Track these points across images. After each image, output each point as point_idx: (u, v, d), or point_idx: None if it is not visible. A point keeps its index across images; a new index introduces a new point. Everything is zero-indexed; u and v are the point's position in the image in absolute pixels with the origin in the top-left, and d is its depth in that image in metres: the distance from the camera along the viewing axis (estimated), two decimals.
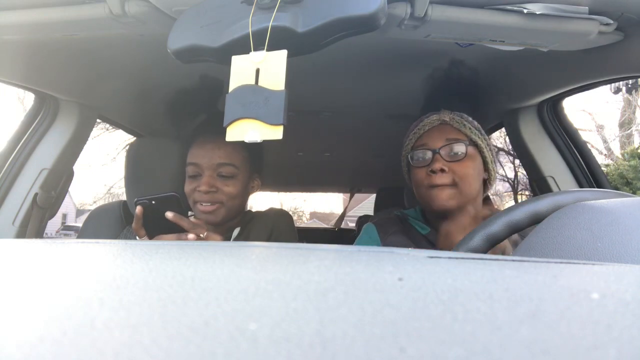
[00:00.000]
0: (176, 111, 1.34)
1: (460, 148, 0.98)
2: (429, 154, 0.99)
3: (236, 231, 1.15)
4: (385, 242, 1.06)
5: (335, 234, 3.55)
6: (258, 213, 1.24)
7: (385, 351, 0.14)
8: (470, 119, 1.03)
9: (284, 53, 0.64)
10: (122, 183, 1.41)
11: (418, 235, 1.05)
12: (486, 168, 1.02)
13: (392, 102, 1.54)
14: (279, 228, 1.21)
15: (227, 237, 1.14)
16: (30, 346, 0.14)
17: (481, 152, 1.01)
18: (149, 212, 0.89)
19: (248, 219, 1.19)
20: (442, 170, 0.96)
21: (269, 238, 1.17)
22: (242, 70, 0.66)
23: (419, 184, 1.01)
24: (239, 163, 1.10)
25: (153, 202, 0.88)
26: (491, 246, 0.56)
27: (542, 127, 1.37)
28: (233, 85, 0.65)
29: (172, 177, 1.30)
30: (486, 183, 1.04)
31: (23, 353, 0.13)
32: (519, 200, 10.99)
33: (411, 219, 1.10)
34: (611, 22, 0.79)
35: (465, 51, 1.09)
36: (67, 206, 21.15)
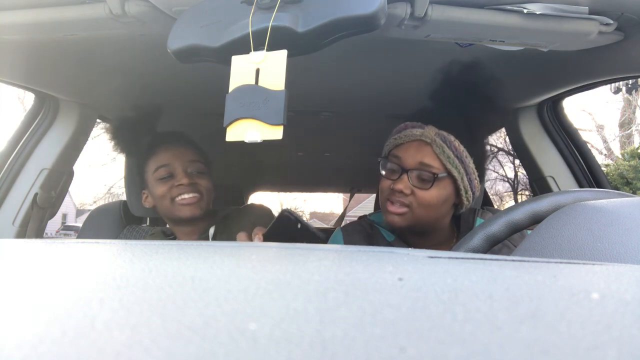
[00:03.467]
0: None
1: (428, 177, 0.93)
2: (398, 170, 0.96)
3: (212, 230, 1.18)
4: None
5: None
6: (234, 210, 1.26)
7: (385, 351, 0.14)
8: (456, 143, 0.94)
9: (284, 53, 0.64)
10: (122, 183, 1.42)
11: (383, 242, 1.04)
12: (459, 197, 0.97)
13: (392, 102, 1.54)
14: (260, 222, 1.21)
15: (204, 237, 1.16)
16: (30, 346, 0.14)
17: (455, 182, 0.95)
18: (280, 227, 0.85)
19: (222, 217, 1.22)
20: (402, 193, 0.94)
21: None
22: (242, 70, 0.66)
23: (382, 192, 1.00)
24: (204, 162, 1.19)
25: (299, 225, 0.81)
26: (491, 246, 0.56)
27: (542, 127, 1.37)
28: (233, 85, 0.65)
29: None
30: (457, 207, 1.00)
31: (23, 353, 0.13)
32: (519, 200, 10.99)
33: (377, 224, 1.08)
34: (611, 22, 0.79)
35: (465, 51, 1.09)
36: (67, 206, 21.14)
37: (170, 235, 1.25)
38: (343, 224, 3.98)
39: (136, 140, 1.24)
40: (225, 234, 1.17)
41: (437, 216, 0.97)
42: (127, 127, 1.25)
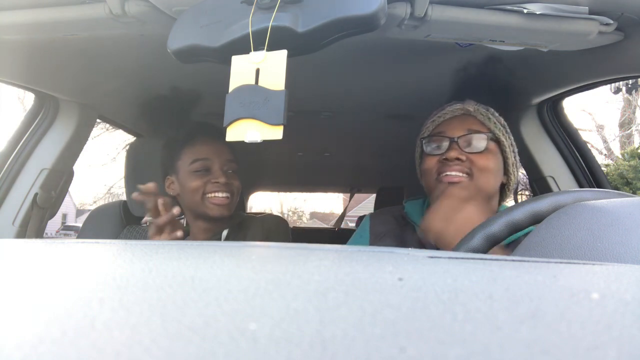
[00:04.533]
0: (175, 110, 1.35)
1: (481, 140, 0.89)
2: (446, 142, 0.91)
3: (225, 233, 1.17)
4: (372, 242, 1.02)
5: (335, 234, 3.55)
6: (251, 217, 1.25)
7: (385, 351, 0.14)
8: (497, 114, 0.95)
9: (284, 53, 0.64)
10: (122, 183, 1.42)
11: (414, 238, 0.97)
12: (506, 171, 0.93)
13: (392, 102, 1.54)
14: (275, 235, 1.21)
15: (215, 239, 1.16)
16: (30, 346, 0.14)
17: (503, 151, 0.92)
18: None
19: (237, 221, 1.21)
20: (458, 159, 0.88)
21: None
22: (242, 70, 0.66)
23: (428, 172, 0.93)
24: (236, 162, 1.17)
25: None
26: (491, 246, 0.56)
27: (542, 127, 1.37)
28: (233, 85, 0.65)
29: None
30: (504, 189, 0.95)
31: (23, 353, 0.13)
32: (519, 200, 10.95)
33: (410, 214, 1.02)
34: (611, 22, 0.79)
35: (465, 51, 1.09)
36: (67, 206, 21.15)
37: None
38: (343, 224, 3.99)
39: (172, 124, 1.22)
40: (237, 240, 1.17)
41: (493, 189, 0.90)
42: (166, 107, 1.23)
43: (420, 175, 1.01)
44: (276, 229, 1.24)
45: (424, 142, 0.97)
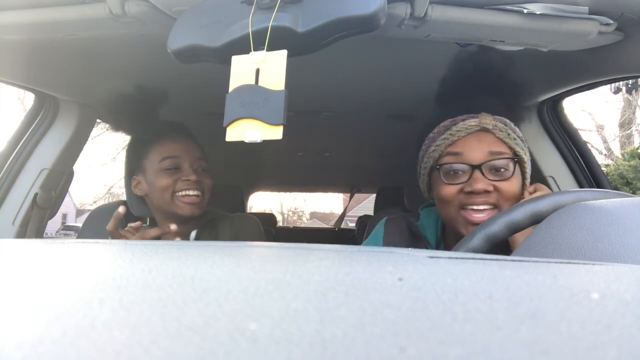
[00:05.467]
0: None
1: (505, 164, 0.81)
2: (466, 169, 0.82)
3: (194, 233, 1.15)
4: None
5: (335, 234, 3.55)
6: (223, 216, 1.23)
7: (385, 351, 0.14)
8: (513, 125, 0.87)
9: (284, 53, 0.64)
10: (122, 183, 1.41)
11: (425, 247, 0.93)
12: (523, 184, 0.86)
13: (392, 102, 1.54)
14: (244, 236, 1.19)
15: (185, 239, 1.14)
16: (30, 346, 0.14)
17: (522, 167, 0.85)
18: None
19: (206, 220, 1.18)
20: (486, 192, 0.80)
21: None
22: (242, 70, 0.66)
23: (447, 201, 0.84)
24: (206, 160, 1.16)
25: None
26: (491, 246, 0.56)
27: (542, 127, 1.37)
28: (233, 85, 0.65)
29: None
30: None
31: (23, 353, 0.13)
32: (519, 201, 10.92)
33: (423, 228, 0.96)
34: (611, 22, 0.79)
35: (465, 51, 1.09)
36: (67, 206, 21.15)
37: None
38: (343, 224, 3.99)
39: (138, 123, 1.20)
40: (203, 238, 1.15)
41: None
42: (132, 107, 1.20)
43: (429, 190, 0.92)
44: (246, 229, 1.21)
45: (438, 167, 0.86)
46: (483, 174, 0.81)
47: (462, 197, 0.82)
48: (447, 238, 0.94)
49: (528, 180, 0.88)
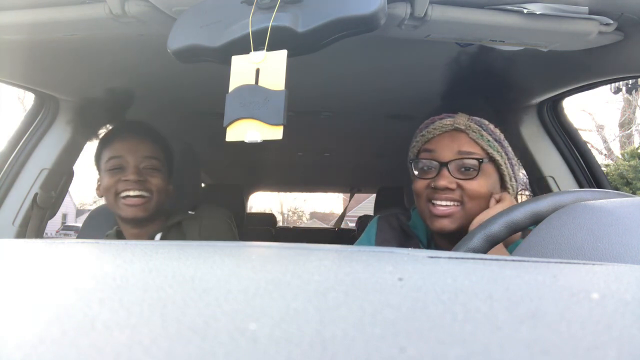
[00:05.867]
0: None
1: (473, 164, 0.85)
2: (435, 166, 0.87)
3: (158, 237, 1.12)
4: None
5: (335, 234, 3.55)
6: (188, 217, 1.18)
7: (385, 351, 0.14)
8: (492, 126, 0.89)
9: (284, 53, 0.64)
10: None
11: (417, 246, 0.96)
12: (503, 185, 0.89)
13: (392, 102, 1.54)
14: (210, 232, 1.15)
15: None
16: (30, 346, 0.14)
17: (499, 168, 0.87)
18: None
19: (173, 223, 1.14)
20: (449, 189, 0.84)
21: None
22: (242, 70, 0.66)
23: (418, 195, 0.90)
24: (163, 159, 1.12)
25: None
26: (491, 246, 0.56)
27: (542, 127, 1.37)
28: (233, 85, 0.65)
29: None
30: None
31: (23, 353, 0.13)
32: (519, 200, 10.95)
33: (414, 227, 0.99)
34: (611, 22, 0.79)
35: (465, 51, 1.09)
36: (67, 206, 21.15)
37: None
38: (343, 224, 3.99)
39: (98, 126, 1.18)
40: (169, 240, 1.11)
41: (487, 206, 0.86)
42: (90, 110, 1.18)
43: (413, 192, 0.97)
44: (215, 231, 1.16)
45: (412, 164, 0.92)
46: (450, 172, 0.85)
47: (429, 192, 0.87)
48: (435, 237, 0.96)
49: (511, 182, 0.90)
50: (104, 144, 1.13)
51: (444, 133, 0.89)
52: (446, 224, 0.85)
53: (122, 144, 1.09)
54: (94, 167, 1.18)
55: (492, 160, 0.87)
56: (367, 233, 1.04)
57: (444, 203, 0.85)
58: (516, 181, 0.92)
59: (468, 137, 0.87)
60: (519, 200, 0.99)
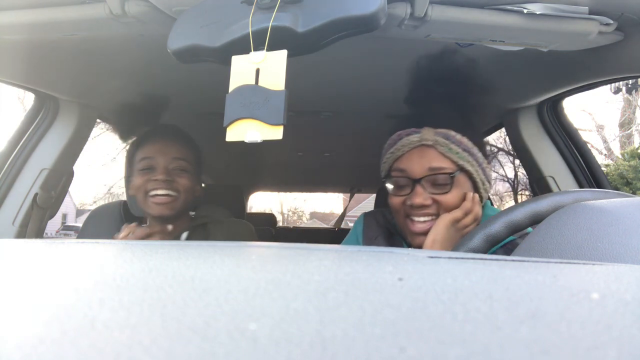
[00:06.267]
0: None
1: (444, 178, 0.85)
2: (408, 183, 0.87)
3: (184, 235, 1.16)
4: (365, 244, 1.00)
5: (335, 234, 3.55)
6: (214, 220, 1.23)
7: (385, 351, 0.14)
8: (458, 136, 0.88)
9: (284, 53, 0.64)
10: (122, 183, 1.42)
11: (400, 246, 0.96)
12: (476, 189, 0.90)
13: (392, 102, 1.54)
14: (235, 238, 1.19)
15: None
16: (30, 346, 0.14)
17: (470, 177, 0.88)
18: None
19: (199, 223, 1.19)
20: (424, 206, 0.85)
21: None
22: (242, 70, 0.66)
23: (395, 211, 0.90)
24: (191, 161, 1.17)
25: None
26: (491, 246, 0.56)
27: (542, 127, 1.37)
28: (233, 85, 0.65)
29: None
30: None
31: (23, 353, 0.13)
32: (519, 201, 11.00)
33: (397, 234, 1.00)
34: (611, 22, 0.79)
35: (465, 51, 1.09)
36: (67, 206, 21.16)
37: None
38: (343, 224, 3.99)
39: (134, 130, 1.23)
40: (195, 240, 1.15)
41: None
42: (128, 114, 1.24)
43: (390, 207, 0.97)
44: (239, 236, 1.21)
45: (385, 181, 0.92)
46: (424, 188, 0.85)
47: (407, 209, 0.87)
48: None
49: (484, 186, 0.90)
50: (137, 145, 1.18)
51: (413, 149, 0.88)
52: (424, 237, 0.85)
53: (154, 146, 1.14)
54: (124, 167, 1.24)
55: (464, 170, 0.87)
56: (354, 230, 1.06)
57: (422, 219, 0.86)
58: (489, 183, 0.92)
59: (437, 152, 0.87)
60: (519, 201, 0.98)
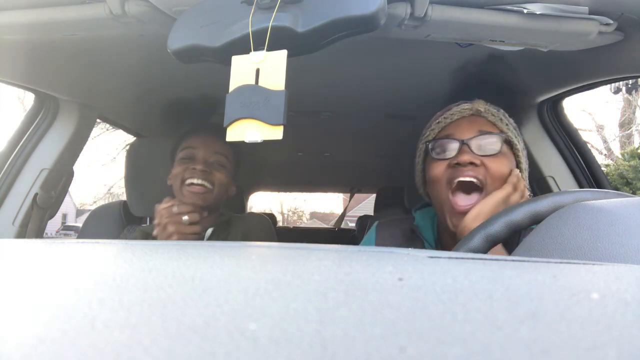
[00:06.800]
0: (178, 111, 1.40)
1: (494, 142, 0.82)
2: (455, 145, 0.83)
3: (209, 231, 1.19)
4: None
5: (335, 234, 3.55)
6: (235, 216, 1.26)
7: (385, 351, 0.14)
8: (507, 115, 0.89)
9: (284, 53, 0.64)
10: (122, 183, 1.42)
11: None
12: (519, 168, 0.87)
13: (392, 102, 1.54)
14: (255, 233, 1.23)
15: (199, 237, 1.16)
16: (30, 346, 0.14)
17: (515, 154, 0.86)
18: None
19: (223, 220, 1.22)
20: (472, 164, 0.80)
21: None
22: (242, 70, 0.66)
23: (437, 179, 0.84)
24: (231, 158, 1.20)
25: None
26: (491, 246, 0.56)
27: (542, 127, 1.37)
28: (233, 85, 0.65)
29: None
30: None
31: (23, 353, 0.13)
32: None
33: (421, 229, 0.96)
34: (611, 22, 0.79)
35: (465, 51, 1.09)
36: (67, 206, 21.15)
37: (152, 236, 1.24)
38: (343, 224, 3.99)
39: (173, 123, 1.28)
40: (221, 239, 1.18)
41: None
42: (183, 109, 1.29)
43: (424, 183, 0.93)
44: (258, 228, 1.25)
45: (429, 145, 0.88)
46: (471, 149, 0.82)
47: (451, 172, 0.82)
48: (442, 238, 0.94)
49: (523, 172, 0.88)
50: (182, 136, 1.21)
51: (463, 118, 0.87)
52: (469, 200, 0.80)
53: (197, 138, 1.18)
54: (169, 157, 1.26)
55: (510, 143, 0.85)
56: (367, 239, 1.03)
57: (468, 179, 0.80)
58: (527, 175, 0.91)
59: (487, 120, 0.86)
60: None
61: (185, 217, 1.04)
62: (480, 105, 0.86)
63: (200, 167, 1.11)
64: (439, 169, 0.84)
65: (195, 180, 1.10)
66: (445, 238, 0.92)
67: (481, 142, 0.83)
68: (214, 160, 1.15)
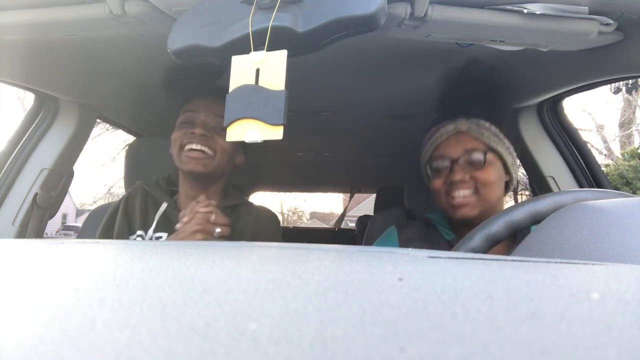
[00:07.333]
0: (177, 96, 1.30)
1: (479, 156, 0.99)
2: (447, 163, 1.00)
3: (213, 216, 1.10)
4: (402, 246, 1.05)
5: (335, 234, 3.55)
6: (244, 203, 1.17)
7: (385, 351, 0.14)
8: (487, 124, 1.03)
9: (284, 53, 0.64)
10: (122, 183, 1.42)
11: (442, 241, 1.04)
12: (507, 171, 1.03)
13: (391, 102, 1.54)
14: (264, 230, 1.16)
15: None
16: (30, 346, 0.14)
17: (501, 157, 1.02)
18: None
19: (230, 204, 1.13)
20: (462, 182, 0.97)
21: (252, 237, 1.11)
22: (242, 70, 0.66)
23: (438, 192, 1.02)
24: None
25: None
26: (491, 246, 0.56)
27: (542, 127, 1.37)
28: (233, 85, 0.65)
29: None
30: (508, 185, 1.05)
31: (23, 353, 0.13)
32: (519, 200, 10.94)
33: (437, 223, 1.09)
34: (611, 22, 0.79)
35: (465, 51, 1.09)
36: (67, 206, 21.15)
37: (173, 187, 1.15)
38: (343, 224, 3.99)
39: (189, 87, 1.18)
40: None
41: (498, 195, 1.00)
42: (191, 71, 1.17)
43: (432, 191, 1.08)
44: (268, 224, 1.18)
45: (427, 165, 1.06)
46: (461, 166, 0.99)
47: (447, 187, 1.00)
48: (453, 223, 1.06)
49: (512, 167, 1.02)
50: (184, 102, 1.13)
51: (450, 137, 1.02)
52: (467, 211, 0.96)
53: (199, 102, 1.10)
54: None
55: (494, 151, 1.00)
56: (387, 236, 1.10)
57: (461, 194, 0.97)
58: (517, 168, 1.05)
59: (470, 137, 1.01)
60: (519, 200, 1.00)
61: (218, 230, 0.96)
62: (463, 125, 1.02)
63: (200, 132, 1.03)
64: (437, 184, 1.02)
65: (194, 146, 1.03)
66: (457, 223, 1.05)
67: (468, 158, 0.99)
68: (216, 125, 1.06)
